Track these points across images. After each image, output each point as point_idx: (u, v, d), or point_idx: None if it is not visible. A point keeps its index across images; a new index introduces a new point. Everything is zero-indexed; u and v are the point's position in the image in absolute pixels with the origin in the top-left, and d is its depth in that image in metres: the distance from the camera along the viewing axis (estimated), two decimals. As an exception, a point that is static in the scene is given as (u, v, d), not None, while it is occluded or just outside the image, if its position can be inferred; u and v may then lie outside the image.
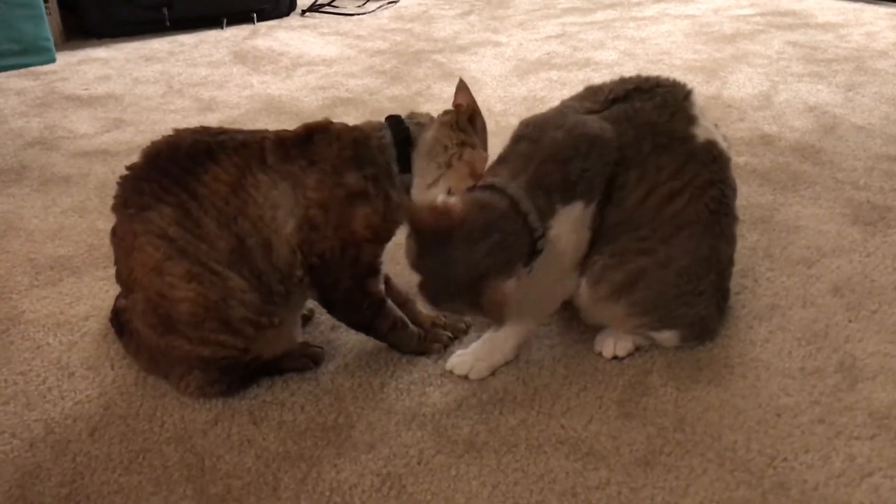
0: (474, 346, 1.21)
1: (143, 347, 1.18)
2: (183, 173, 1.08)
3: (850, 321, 1.28)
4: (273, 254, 1.10)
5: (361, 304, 1.18)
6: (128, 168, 1.11)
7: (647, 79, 1.18)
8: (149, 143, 1.12)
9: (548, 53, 2.74)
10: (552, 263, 1.11)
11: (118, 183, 1.11)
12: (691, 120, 1.14)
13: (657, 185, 1.11)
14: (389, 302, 1.21)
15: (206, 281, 1.06)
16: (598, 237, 1.13)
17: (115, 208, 1.11)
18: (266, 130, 1.14)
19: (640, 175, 1.11)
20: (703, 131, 1.14)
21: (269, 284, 1.10)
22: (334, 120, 1.18)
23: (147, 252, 1.06)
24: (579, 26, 3.10)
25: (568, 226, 1.10)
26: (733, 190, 1.17)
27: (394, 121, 1.18)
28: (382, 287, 1.19)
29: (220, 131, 1.13)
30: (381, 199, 1.13)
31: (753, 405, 1.11)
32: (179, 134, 1.12)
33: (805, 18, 3.10)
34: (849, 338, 1.24)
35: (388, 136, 1.16)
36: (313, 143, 1.12)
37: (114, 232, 1.11)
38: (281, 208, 1.09)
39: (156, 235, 1.06)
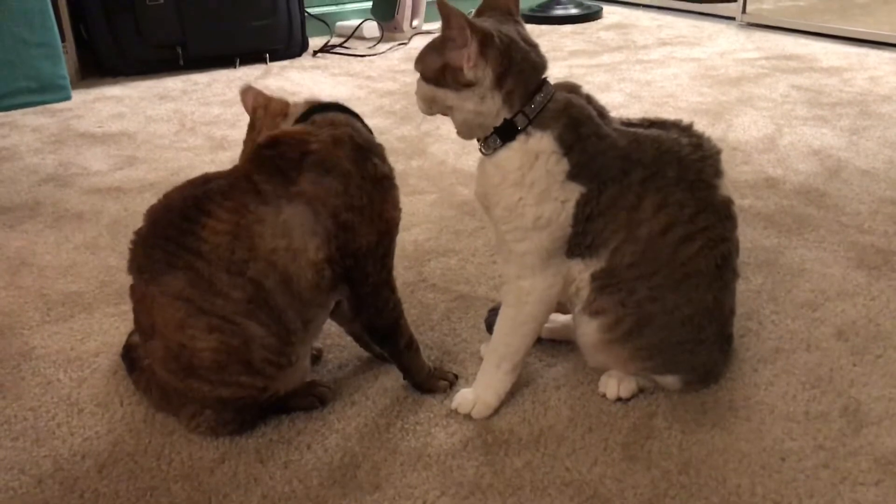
0: (475, 381, 1.22)
1: (154, 384, 1.20)
2: (181, 235, 1.07)
3: (854, 365, 1.28)
4: (294, 283, 1.09)
5: (388, 301, 1.18)
6: (135, 233, 1.12)
7: (684, 122, 1.19)
8: (149, 207, 1.13)
9: (555, 95, 2.78)
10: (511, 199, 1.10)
11: (129, 248, 1.12)
12: (718, 173, 1.15)
13: (678, 222, 1.10)
14: (405, 318, 1.22)
15: (227, 330, 1.07)
16: (612, 277, 1.12)
17: (130, 271, 1.12)
18: (241, 166, 1.13)
19: (660, 202, 1.10)
20: (724, 188, 1.15)
21: (286, 324, 1.10)
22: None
23: (168, 312, 1.07)
24: (586, 69, 3.15)
25: (543, 163, 1.08)
26: (738, 250, 1.18)
27: (339, 106, 1.21)
28: None
29: (205, 180, 1.12)
30: (393, 174, 1.18)
31: (758, 449, 1.11)
32: (169, 195, 1.12)
33: (809, 62, 3.13)
34: (853, 382, 1.24)
35: (354, 119, 1.19)
36: (312, 153, 1.10)
37: (133, 290, 1.12)
38: (296, 230, 1.08)
39: (174, 297, 1.06)
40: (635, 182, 1.10)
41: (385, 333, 1.21)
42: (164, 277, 1.07)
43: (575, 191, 1.09)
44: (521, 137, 1.09)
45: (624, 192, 1.10)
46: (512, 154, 1.10)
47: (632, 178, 1.10)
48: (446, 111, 1.12)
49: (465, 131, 1.14)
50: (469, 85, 1.07)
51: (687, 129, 1.17)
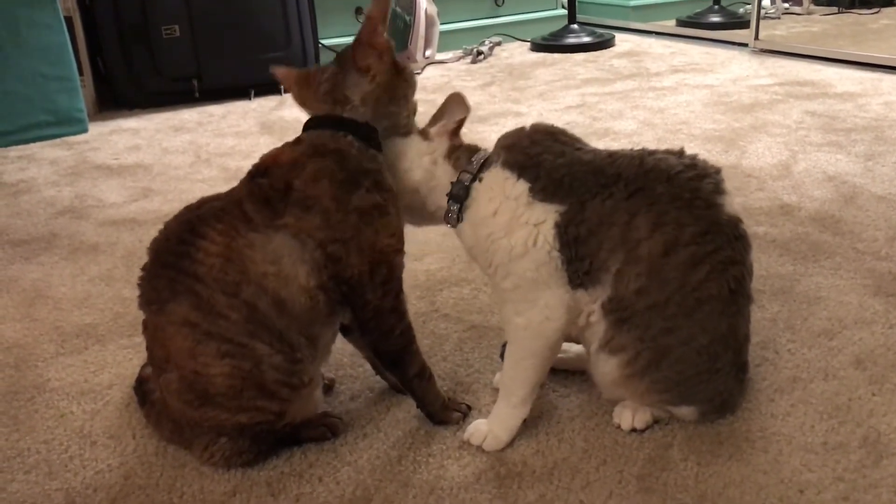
0: (490, 413, 1.21)
1: (166, 417, 1.19)
2: (179, 259, 1.09)
3: (873, 395, 1.26)
4: (288, 307, 1.09)
5: (394, 328, 1.17)
6: (141, 269, 1.13)
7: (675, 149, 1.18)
8: (151, 240, 1.15)
9: (567, 123, 2.79)
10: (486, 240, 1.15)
11: (137, 284, 1.13)
12: (719, 190, 1.11)
13: (679, 242, 1.08)
14: (417, 345, 1.21)
15: (237, 354, 1.08)
16: (625, 309, 1.10)
17: (140, 306, 1.13)
18: (236, 191, 1.14)
19: (655, 220, 1.07)
20: (729, 206, 1.12)
21: (290, 341, 1.10)
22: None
23: (178, 341, 1.08)
24: (599, 97, 3.16)
25: (500, 192, 1.13)
26: (751, 274, 1.15)
27: (336, 121, 1.16)
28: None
29: (200, 203, 1.15)
30: (391, 200, 1.14)
31: (775, 481, 1.09)
32: (168, 224, 1.14)
33: (823, 88, 3.13)
34: (872, 412, 1.22)
35: (352, 139, 1.14)
36: (296, 189, 1.10)
37: (145, 325, 1.14)
38: (285, 259, 1.08)
39: (180, 325, 1.07)
40: (620, 197, 1.08)
41: (393, 359, 1.20)
42: (169, 305, 1.08)
43: (549, 211, 1.10)
44: (475, 186, 1.16)
45: (609, 207, 1.08)
46: (475, 205, 1.16)
47: (614, 192, 1.08)
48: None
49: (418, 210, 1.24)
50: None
51: (679, 153, 1.15)
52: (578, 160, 1.12)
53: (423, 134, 1.24)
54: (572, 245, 1.10)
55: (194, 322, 1.07)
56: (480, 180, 1.16)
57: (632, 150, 1.17)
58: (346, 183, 1.11)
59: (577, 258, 1.10)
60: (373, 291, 1.14)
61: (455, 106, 1.25)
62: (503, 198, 1.12)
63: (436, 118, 1.26)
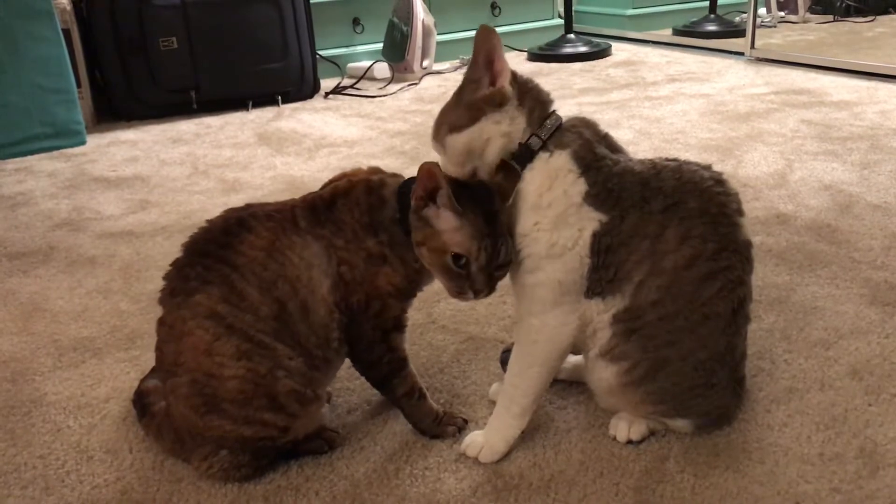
0: (487, 423, 1.21)
1: (167, 427, 1.19)
2: (220, 249, 1.12)
3: (869, 405, 1.26)
4: (311, 316, 1.12)
5: (382, 358, 1.20)
6: (171, 264, 1.15)
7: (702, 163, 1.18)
8: (188, 238, 1.16)
9: (564, 133, 2.79)
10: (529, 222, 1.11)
11: (164, 277, 1.14)
12: (741, 211, 1.13)
13: (701, 256, 1.08)
14: (412, 368, 1.22)
15: (255, 356, 1.09)
16: (636, 319, 1.10)
17: (162, 301, 1.14)
18: (293, 199, 1.19)
19: (684, 234, 1.08)
20: (746, 228, 1.13)
21: (309, 349, 1.13)
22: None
23: (197, 335, 1.09)
24: (595, 106, 3.16)
25: (561, 183, 1.09)
26: (751, 295, 1.16)
27: (403, 192, 1.17)
28: (406, 346, 1.22)
29: (248, 206, 1.19)
30: (398, 262, 1.16)
31: (772, 492, 1.09)
32: (211, 221, 1.17)
33: (819, 97, 3.14)
34: (869, 422, 1.22)
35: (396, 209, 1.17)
36: (337, 207, 1.16)
37: (161, 322, 1.14)
38: (315, 268, 1.12)
39: (204, 317, 1.08)
40: (657, 211, 1.08)
41: (378, 383, 1.24)
42: (195, 297, 1.10)
43: (593, 219, 1.08)
44: (543, 156, 1.11)
45: (645, 220, 1.08)
46: (534, 174, 1.11)
47: (653, 206, 1.08)
48: (481, 152, 1.12)
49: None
50: (502, 104, 1.11)
51: (707, 167, 1.16)
52: (630, 171, 1.11)
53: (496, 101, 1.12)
54: (602, 254, 1.10)
55: (220, 314, 1.08)
56: (550, 153, 1.11)
57: (669, 160, 1.16)
58: (368, 226, 1.16)
59: (603, 266, 1.10)
60: (367, 322, 1.17)
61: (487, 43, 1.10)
62: (562, 192, 1.09)
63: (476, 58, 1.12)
